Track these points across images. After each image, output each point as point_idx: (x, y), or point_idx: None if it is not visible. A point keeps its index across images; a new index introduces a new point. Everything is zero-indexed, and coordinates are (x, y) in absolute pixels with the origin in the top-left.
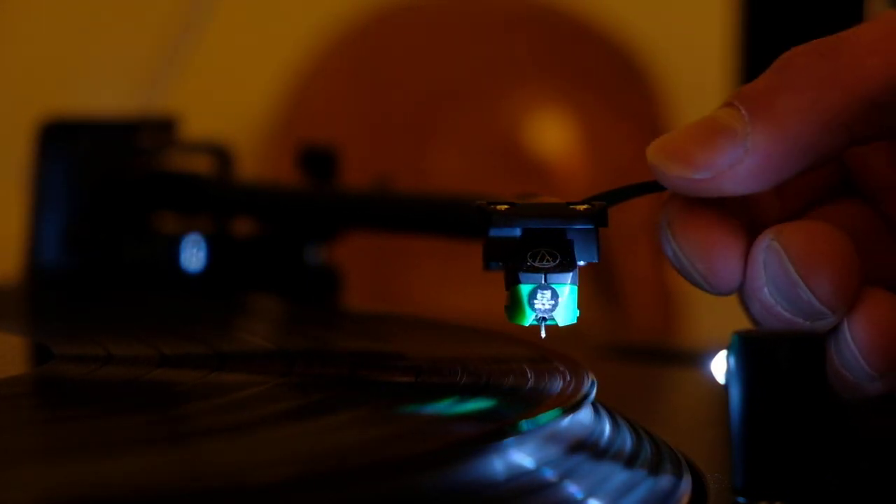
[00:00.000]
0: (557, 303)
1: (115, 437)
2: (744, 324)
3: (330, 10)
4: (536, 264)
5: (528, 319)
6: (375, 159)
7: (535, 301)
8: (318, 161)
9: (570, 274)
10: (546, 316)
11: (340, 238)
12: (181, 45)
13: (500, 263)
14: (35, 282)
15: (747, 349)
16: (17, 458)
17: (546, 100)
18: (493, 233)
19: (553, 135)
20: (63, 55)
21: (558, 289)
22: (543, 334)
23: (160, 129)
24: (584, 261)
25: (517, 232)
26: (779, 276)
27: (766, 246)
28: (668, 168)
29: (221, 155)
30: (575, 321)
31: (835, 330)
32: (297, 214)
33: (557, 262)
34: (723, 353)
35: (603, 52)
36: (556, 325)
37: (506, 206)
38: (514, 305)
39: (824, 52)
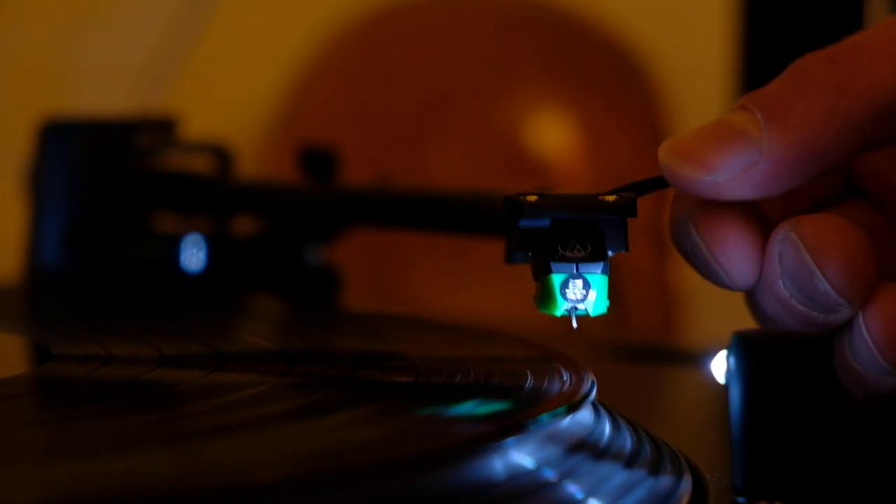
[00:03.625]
0: (589, 293)
1: (116, 437)
2: (743, 324)
3: (330, 10)
4: (568, 254)
5: (560, 309)
6: (375, 159)
7: (567, 291)
8: (318, 161)
9: (602, 264)
10: (577, 306)
11: (341, 236)
12: (181, 45)
13: (527, 255)
14: (35, 282)
15: (747, 349)
16: (17, 458)
17: (546, 100)
18: (523, 223)
19: (553, 135)
20: (63, 55)
21: (590, 279)
22: (575, 325)
23: (160, 129)
24: (613, 251)
25: (546, 223)
26: (795, 266)
27: (783, 237)
28: (680, 169)
29: (221, 155)
30: (605, 311)
31: (849, 323)
32: (298, 211)
33: (589, 251)
34: (723, 353)
35: (603, 53)
36: (587, 316)
37: (535, 198)
38: (545, 295)
39: (838, 58)
